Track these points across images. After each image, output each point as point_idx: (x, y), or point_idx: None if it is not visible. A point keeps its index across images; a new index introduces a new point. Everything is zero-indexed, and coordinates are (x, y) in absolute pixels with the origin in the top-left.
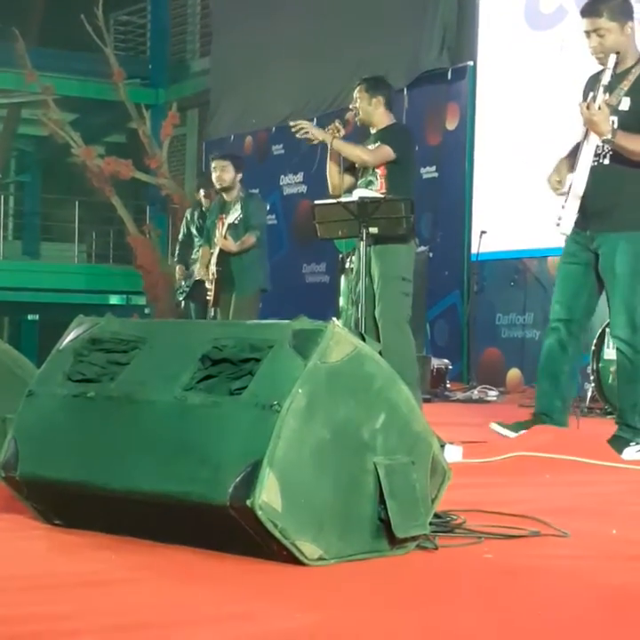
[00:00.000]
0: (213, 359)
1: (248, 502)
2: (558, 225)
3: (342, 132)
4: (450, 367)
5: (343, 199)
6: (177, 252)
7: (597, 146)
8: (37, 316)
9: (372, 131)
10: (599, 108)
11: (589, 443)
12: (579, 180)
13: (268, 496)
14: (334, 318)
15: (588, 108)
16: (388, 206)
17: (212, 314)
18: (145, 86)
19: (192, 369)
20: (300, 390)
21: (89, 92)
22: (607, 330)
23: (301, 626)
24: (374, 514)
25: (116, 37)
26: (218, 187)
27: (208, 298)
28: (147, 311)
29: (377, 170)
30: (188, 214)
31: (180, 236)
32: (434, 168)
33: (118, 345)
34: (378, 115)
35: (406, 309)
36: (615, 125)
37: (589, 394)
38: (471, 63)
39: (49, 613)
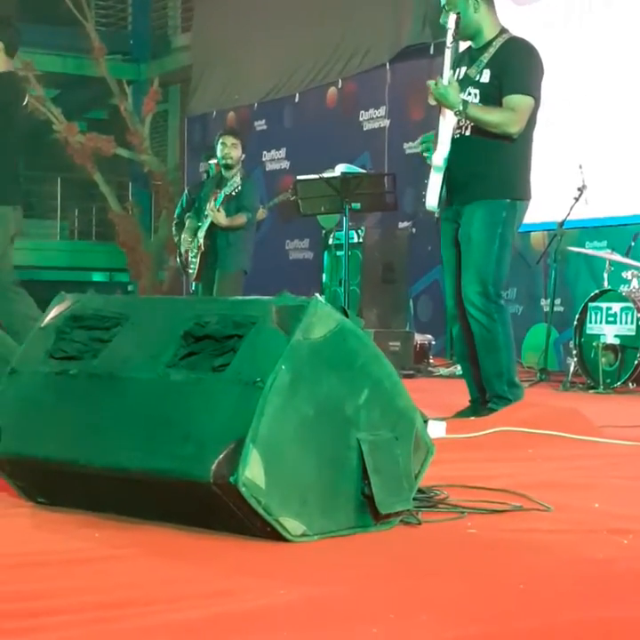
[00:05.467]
0: (196, 336)
1: (231, 479)
2: (424, 201)
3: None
4: (433, 343)
5: (325, 174)
6: (174, 229)
7: (459, 119)
8: None
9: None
10: (448, 84)
11: (571, 417)
12: (438, 153)
13: (252, 473)
14: (317, 294)
15: (436, 84)
16: (370, 181)
17: (193, 289)
18: (126, 62)
19: (174, 346)
20: (283, 367)
21: (70, 68)
22: (589, 304)
23: (285, 602)
24: (358, 490)
25: (97, 12)
26: (222, 162)
27: (190, 271)
28: (130, 288)
29: None
30: (185, 191)
31: (177, 213)
32: (416, 143)
33: (100, 322)
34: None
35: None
36: (477, 98)
37: (572, 368)
38: None
39: (33, 591)
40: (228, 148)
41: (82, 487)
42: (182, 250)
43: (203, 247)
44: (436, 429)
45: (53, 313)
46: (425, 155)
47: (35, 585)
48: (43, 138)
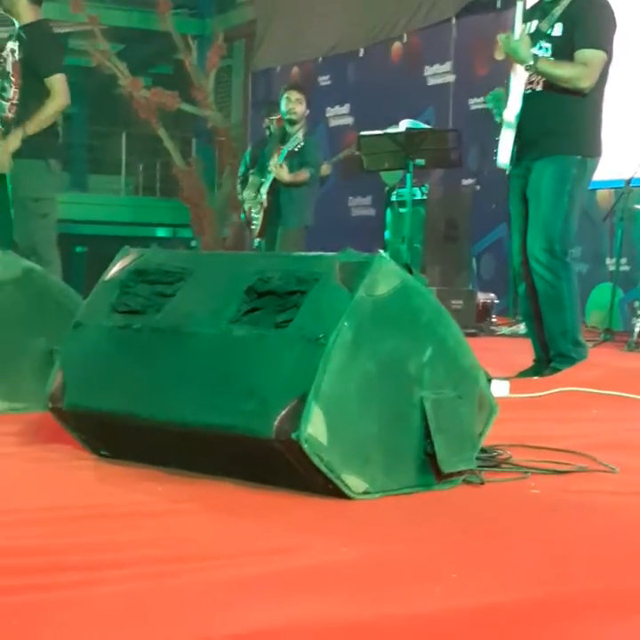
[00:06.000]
0: (259, 291)
1: (293, 435)
2: (495, 159)
3: None
4: (496, 301)
5: (389, 130)
6: (239, 186)
7: (530, 74)
8: (85, 248)
9: None
10: (519, 38)
11: (637, 378)
12: (509, 110)
13: (314, 429)
14: (381, 251)
15: (506, 38)
16: (434, 137)
17: (256, 244)
18: (191, 16)
19: (237, 301)
20: (345, 323)
21: (135, 22)
22: None
23: (346, 559)
24: (420, 448)
25: None
26: (286, 117)
27: (252, 227)
28: (193, 244)
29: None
30: (249, 148)
31: (241, 171)
32: (481, 99)
33: (163, 276)
34: None
35: None
36: (548, 52)
37: (637, 329)
38: None
39: (94, 543)
40: (293, 103)
41: (144, 441)
42: (246, 206)
43: (265, 203)
44: (500, 388)
45: (117, 267)
46: (493, 111)
47: (97, 537)
48: (108, 93)
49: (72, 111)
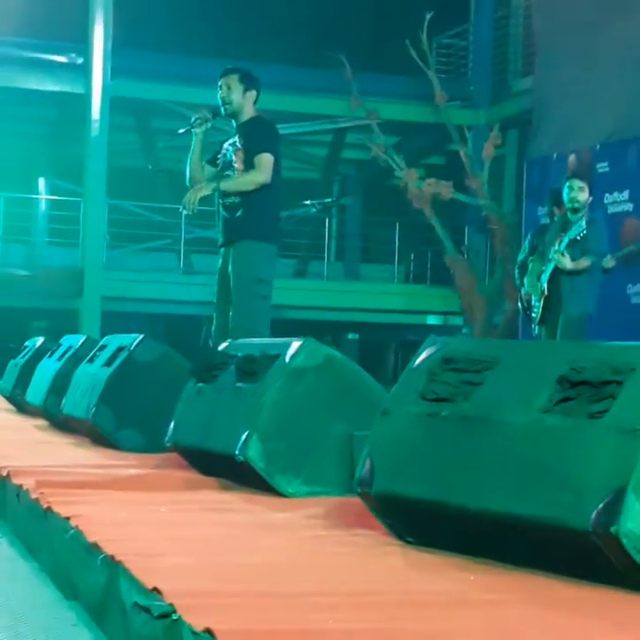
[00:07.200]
0: (572, 381)
1: (612, 529)
2: None
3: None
4: None
5: None
6: (516, 273)
7: None
8: (357, 335)
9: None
10: None
11: None
12: None
13: (634, 524)
14: None
15: None
16: None
17: (537, 332)
18: (466, 108)
19: (549, 390)
20: None
21: (411, 116)
22: None
23: None
24: None
25: (438, 60)
26: (569, 206)
27: (532, 315)
28: (464, 332)
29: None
30: (529, 236)
31: (520, 258)
32: None
33: (471, 365)
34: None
35: None
36: None
37: None
38: None
39: (418, 630)
40: (575, 192)
41: (452, 529)
42: (523, 293)
43: (546, 291)
44: None
45: (424, 355)
46: None
47: (419, 624)
48: (382, 184)
49: (347, 202)
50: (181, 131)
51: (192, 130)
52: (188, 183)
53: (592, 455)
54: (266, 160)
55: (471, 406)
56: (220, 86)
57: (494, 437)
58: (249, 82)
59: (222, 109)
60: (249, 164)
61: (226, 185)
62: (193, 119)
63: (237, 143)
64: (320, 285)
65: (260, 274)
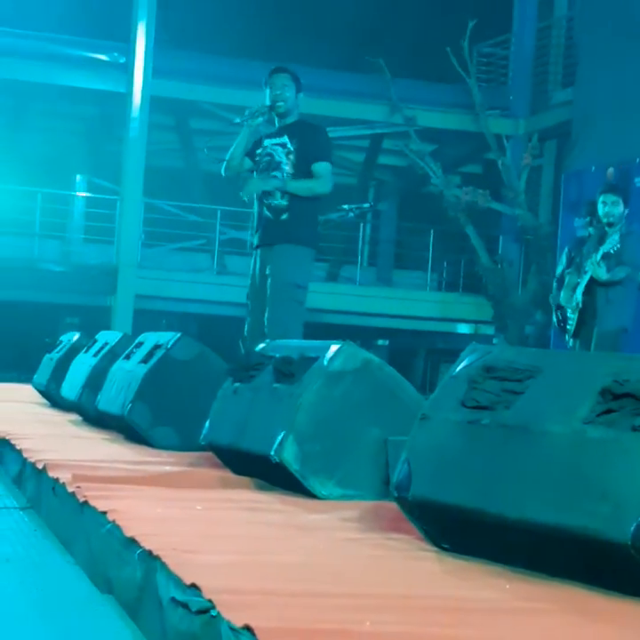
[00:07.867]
0: (615, 393)
1: None
2: None
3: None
4: None
5: None
6: (554, 286)
7: None
8: (387, 342)
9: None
10: None
11: None
12: None
13: None
14: None
15: None
16: None
17: (571, 344)
18: (505, 117)
19: (591, 401)
20: None
21: (449, 123)
22: None
23: None
24: None
25: (478, 68)
26: (604, 220)
27: (567, 327)
28: (495, 341)
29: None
30: (567, 249)
31: (558, 271)
32: None
33: (513, 373)
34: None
35: None
36: None
37: None
38: None
39: (455, 636)
40: (610, 207)
41: (489, 537)
42: (556, 305)
43: (581, 304)
44: None
45: (465, 362)
46: None
47: (453, 630)
48: (418, 191)
49: (382, 208)
50: (238, 120)
51: (249, 120)
52: (222, 171)
53: (633, 468)
54: (328, 170)
55: (512, 415)
56: (274, 83)
57: (535, 447)
58: (299, 83)
59: (278, 106)
60: (301, 169)
61: (293, 187)
62: (248, 112)
63: (289, 145)
64: (352, 290)
65: (299, 279)
